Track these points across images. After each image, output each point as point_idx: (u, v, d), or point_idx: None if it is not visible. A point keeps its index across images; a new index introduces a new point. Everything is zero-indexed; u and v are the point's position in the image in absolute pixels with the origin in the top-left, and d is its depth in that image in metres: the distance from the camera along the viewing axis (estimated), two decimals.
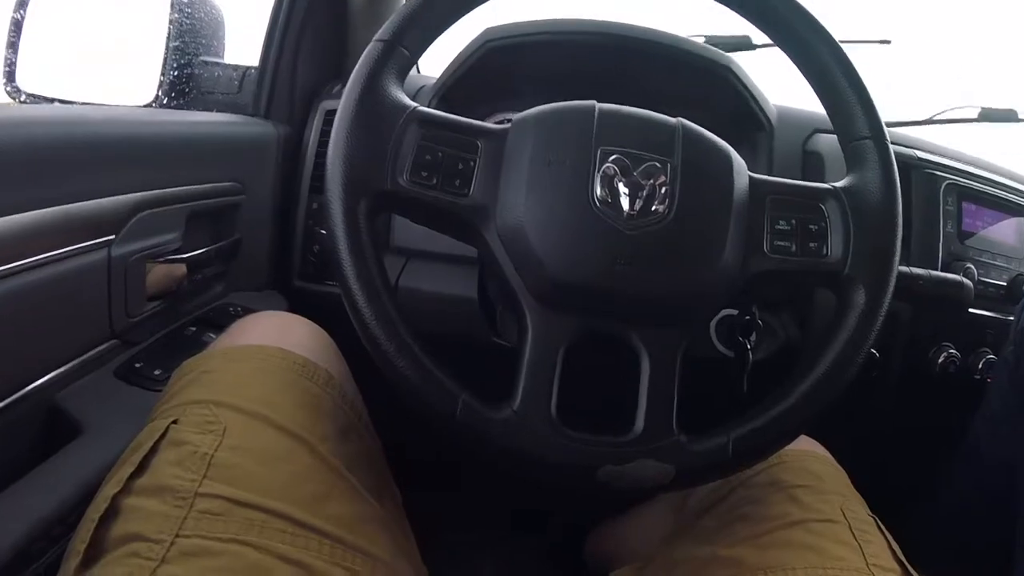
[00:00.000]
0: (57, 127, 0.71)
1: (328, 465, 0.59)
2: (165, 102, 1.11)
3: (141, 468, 0.54)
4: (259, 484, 0.54)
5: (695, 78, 1.01)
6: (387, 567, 0.57)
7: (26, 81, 0.96)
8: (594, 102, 0.63)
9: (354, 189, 0.57)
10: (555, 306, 0.58)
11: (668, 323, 0.59)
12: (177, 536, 0.49)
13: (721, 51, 1.03)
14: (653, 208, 0.58)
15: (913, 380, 1.12)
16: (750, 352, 0.90)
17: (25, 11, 0.96)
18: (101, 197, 0.75)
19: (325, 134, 1.10)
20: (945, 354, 1.09)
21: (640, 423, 0.57)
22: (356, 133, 0.58)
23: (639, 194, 0.58)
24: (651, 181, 0.59)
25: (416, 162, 0.58)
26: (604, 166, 0.59)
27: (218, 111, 1.14)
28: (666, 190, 0.59)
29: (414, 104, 0.61)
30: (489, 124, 0.62)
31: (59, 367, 0.73)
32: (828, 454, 0.77)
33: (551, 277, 0.57)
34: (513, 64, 1.03)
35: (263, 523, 0.51)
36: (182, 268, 0.86)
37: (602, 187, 0.58)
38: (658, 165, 0.59)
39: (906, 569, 0.62)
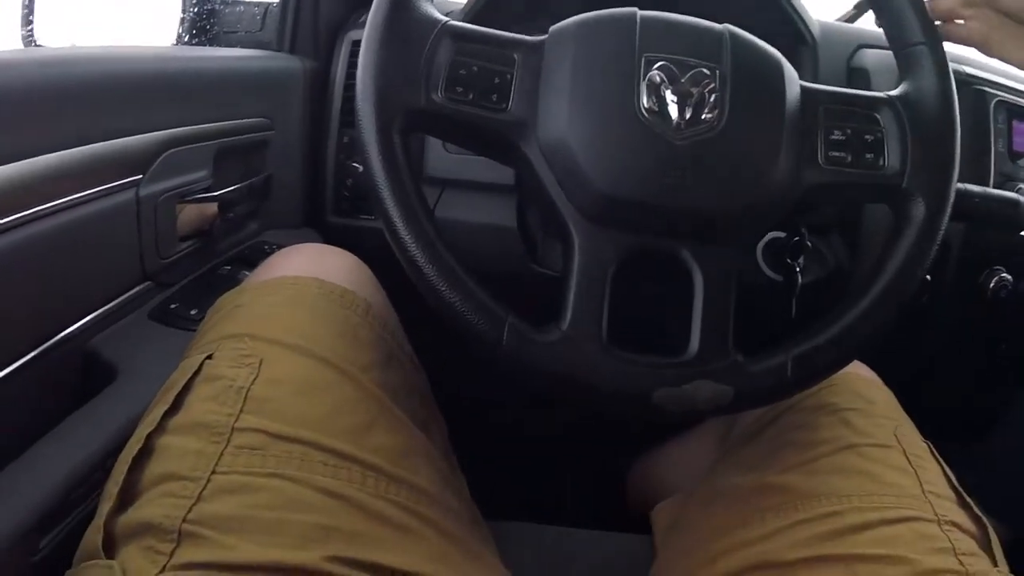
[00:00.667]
0: (80, 66, 0.69)
1: (371, 395, 0.58)
2: (187, 40, 1.09)
3: (175, 406, 0.53)
4: (298, 416, 0.52)
5: None
6: (432, 499, 0.55)
7: (43, 28, 0.94)
8: (635, 9, 0.59)
9: (387, 108, 0.55)
10: (603, 222, 0.56)
11: (722, 238, 0.57)
12: (214, 473, 0.47)
13: None
14: (703, 116, 0.56)
15: (964, 305, 1.09)
16: (799, 275, 0.87)
17: None
18: (127, 136, 0.73)
19: (352, 66, 1.07)
20: (997, 278, 1.06)
21: (695, 343, 0.56)
22: (387, 50, 0.56)
23: (687, 102, 0.56)
24: (699, 88, 0.56)
25: (450, 77, 0.56)
26: (650, 74, 0.56)
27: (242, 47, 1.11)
28: (716, 97, 0.56)
29: (445, 18, 0.58)
30: (523, 36, 0.59)
31: (93, 311, 0.72)
32: (876, 376, 0.75)
33: (598, 192, 0.55)
34: None
35: (303, 456, 0.50)
36: (213, 207, 0.85)
37: (648, 96, 0.56)
38: (706, 72, 0.57)
39: (962, 497, 0.61)
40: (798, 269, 0.87)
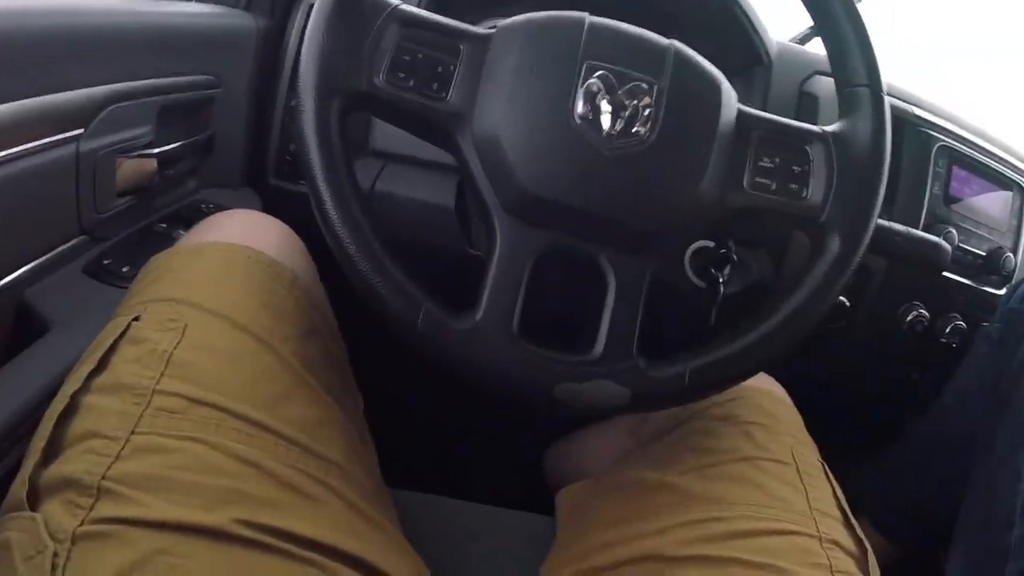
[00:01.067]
0: (22, 17, 0.68)
1: (289, 367, 0.60)
2: None
3: (101, 365, 0.55)
4: (218, 383, 0.54)
5: (696, 3, 0.98)
6: (340, 470, 0.58)
7: None
8: (585, 14, 0.61)
9: (327, 87, 0.56)
10: (525, 219, 0.58)
11: (638, 248, 0.59)
12: (133, 433, 0.49)
13: None
14: (634, 130, 0.57)
15: (879, 333, 1.13)
16: (721, 285, 0.90)
17: None
18: (69, 90, 0.73)
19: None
20: (915, 313, 1.11)
21: (601, 344, 0.58)
22: (333, 29, 0.56)
23: (621, 114, 0.57)
24: (635, 102, 0.58)
25: (394, 62, 0.57)
26: (588, 81, 0.58)
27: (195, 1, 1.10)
28: (650, 112, 0.58)
29: (397, 2, 0.59)
30: (473, 28, 0.61)
31: (26, 264, 0.72)
32: (785, 395, 0.79)
33: (523, 189, 0.57)
34: None
35: (219, 421, 0.52)
36: (153, 163, 0.85)
37: (584, 103, 0.57)
38: (644, 86, 0.58)
39: (847, 518, 0.64)
40: (721, 280, 0.90)
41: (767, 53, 1.04)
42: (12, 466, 0.61)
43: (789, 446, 0.68)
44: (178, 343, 0.56)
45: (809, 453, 0.69)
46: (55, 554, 0.43)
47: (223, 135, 1.02)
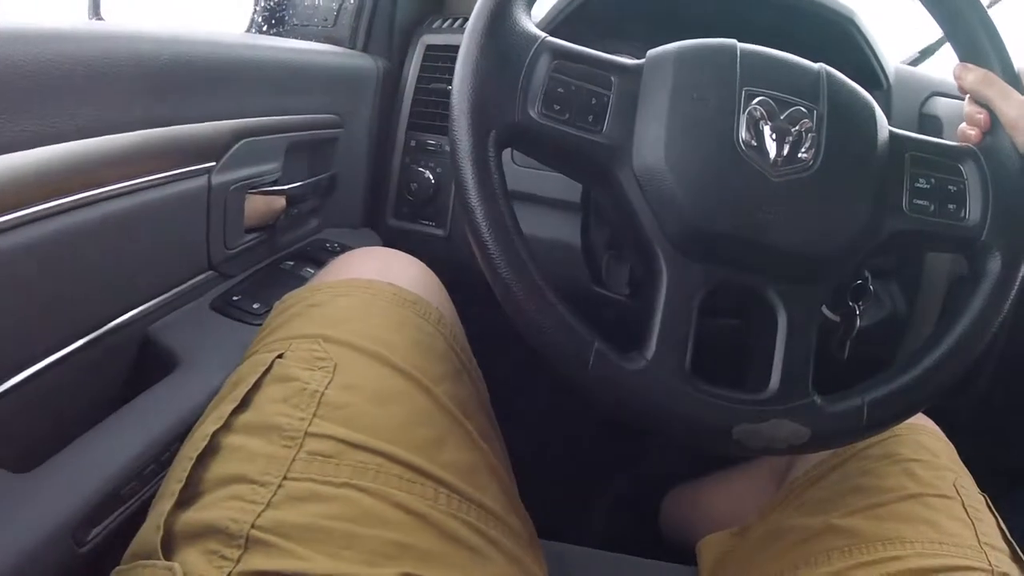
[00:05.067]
0: (164, 45, 0.67)
1: (443, 408, 0.56)
2: (261, 29, 1.08)
3: (244, 404, 0.51)
4: (373, 425, 0.50)
5: (814, 26, 0.95)
6: (498, 519, 0.53)
7: (111, 13, 0.93)
8: (734, 41, 0.59)
9: (484, 121, 0.54)
10: (693, 254, 0.55)
11: (807, 279, 0.57)
12: (285, 479, 0.45)
13: (842, 2, 0.96)
14: (799, 155, 0.56)
15: (1014, 360, 1.06)
16: (858, 318, 0.85)
17: None
18: (204, 121, 0.71)
19: (425, 69, 1.06)
20: None
21: (776, 381, 0.55)
22: (485, 63, 0.55)
23: (785, 139, 0.55)
24: (797, 127, 0.56)
25: (548, 94, 0.55)
26: (750, 107, 0.56)
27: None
28: (812, 137, 0.56)
29: (544, 34, 0.57)
30: (621, 59, 0.58)
31: (155, 297, 0.71)
32: (938, 429, 0.75)
33: (692, 222, 0.54)
34: (622, 2, 0.98)
35: (378, 467, 0.48)
36: (281, 201, 0.83)
37: (747, 129, 0.55)
38: (804, 110, 0.56)
39: (1014, 550, 0.62)
40: (858, 312, 0.85)
41: (886, 76, 1.00)
42: (138, 507, 0.58)
43: (951, 480, 0.66)
44: (329, 382, 0.52)
45: (971, 486, 0.67)
46: None
47: (344, 175, 1.01)
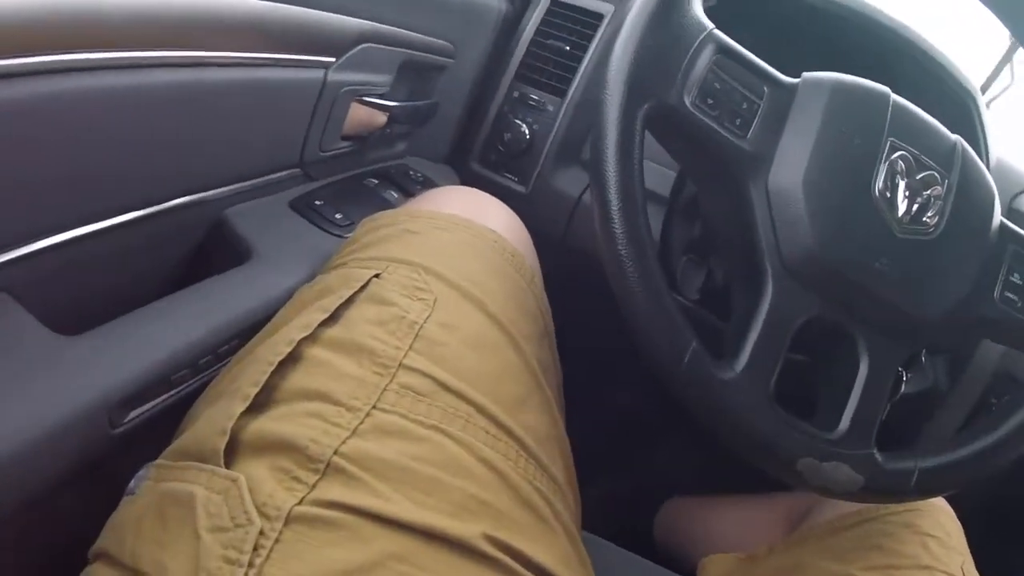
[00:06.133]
0: None
1: (529, 368, 0.53)
2: None
3: (334, 317, 0.48)
4: (467, 371, 0.47)
5: (932, 94, 0.91)
6: (562, 494, 0.51)
7: None
8: (888, 89, 0.60)
9: (639, 91, 0.53)
10: (802, 280, 0.55)
11: (899, 335, 0.58)
12: (375, 408, 0.42)
13: (968, 76, 0.95)
14: (924, 218, 0.57)
15: None
16: (904, 384, 0.84)
17: None
18: (333, 11, 0.68)
19: (545, 23, 1.02)
20: None
21: (845, 424, 0.56)
22: (653, 37, 0.54)
23: (916, 199, 0.57)
24: (929, 191, 0.57)
25: (704, 87, 0.54)
26: (891, 159, 0.57)
27: None
28: (940, 205, 0.58)
29: (712, 25, 0.56)
30: (779, 73, 0.58)
31: (239, 181, 0.67)
32: (952, 512, 0.77)
33: (810, 250, 0.55)
34: (753, 12, 0.95)
35: (468, 416, 0.45)
36: (382, 116, 0.80)
37: (885, 179, 0.56)
38: (937, 176, 0.58)
39: None
40: (905, 378, 0.85)
41: (988, 162, 0.97)
42: (185, 397, 0.55)
43: (960, 563, 0.68)
44: (428, 316, 0.49)
45: (973, 571, 0.69)
46: (261, 533, 0.36)
47: (443, 107, 0.97)
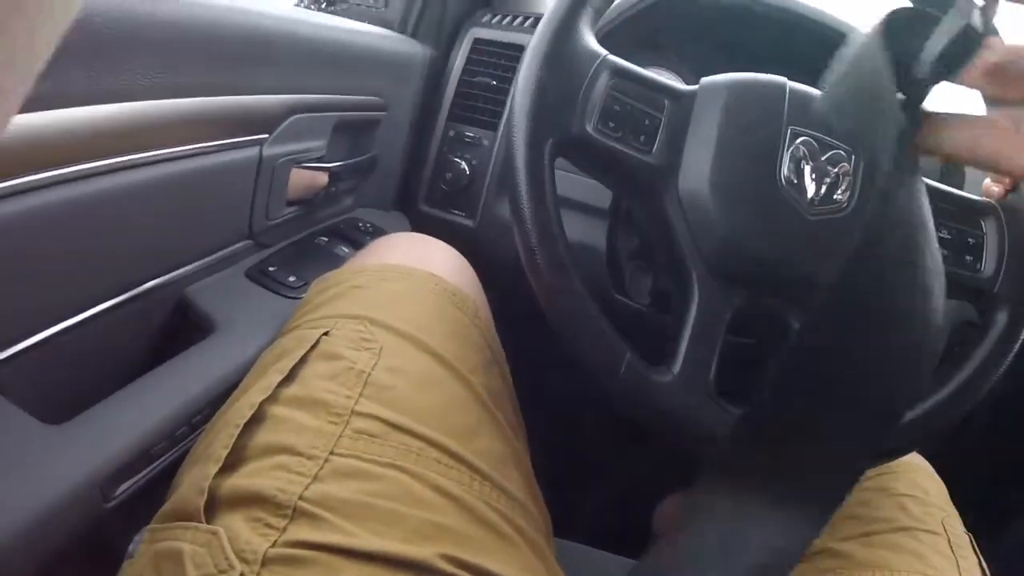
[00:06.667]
0: (231, 15, 0.68)
1: (477, 398, 0.58)
2: (309, 5, 1.09)
3: (290, 377, 0.53)
4: (416, 409, 0.52)
5: None
6: (523, 509, 0.55)
7: None
8: (785, 79, 0.62)
9: (543, 128, 0.56)
10: (725, 276, 0.58)
11: None
12: (332, 454, 0.47)
13: None
14: (835, 197, 0.58)
15: (1016, 405, 1.09)
16: None
17: None
18: (259, 94, 0.73)
19: (472, 62, 1.07)
20: None
21: None
22: (549, 73, 0.57)
23: (823, 180, 0.58)
24: (836, 170, 0.59)
25: (604, 111, 0.57)
26: (792, 146, 0.58)
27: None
28: (848, 181, 0.59)
29: (606, 52, 0.59)
30: (676, 84, 0.61)
31: (195, 260, 0.72)
32: (931, 468, 0.79)
33: (727, 247, 0.57)
34: (671, 19, 1.00)
35: (419, 450, 0.50)
36: (323, 177, 0.85)
37: (789, 167, 0.58)
38: (843, 154, 0.59)
39: None
40: None
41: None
42: (167, 467, 0.60)
43: (940, 518, 0.69)
44: (375, 364, 0.54)
45: (957, 525, 0.70)
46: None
47: (383, 157, 1.02)
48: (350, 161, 0.90)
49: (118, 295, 0.64)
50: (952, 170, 1.04)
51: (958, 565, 0.64)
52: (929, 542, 0.66)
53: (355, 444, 0.48)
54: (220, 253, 0.76)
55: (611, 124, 0.57)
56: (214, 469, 0.47)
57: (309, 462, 0.46)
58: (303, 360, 0.54)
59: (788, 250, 0.58)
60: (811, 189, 0.58)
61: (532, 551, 0.53)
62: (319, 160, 0.84)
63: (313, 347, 0.55)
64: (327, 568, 0.42)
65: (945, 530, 0.68)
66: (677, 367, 0.56)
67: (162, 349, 0.71)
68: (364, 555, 0.43)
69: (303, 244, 0.86)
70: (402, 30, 1.09)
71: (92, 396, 0.58)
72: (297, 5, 1.11)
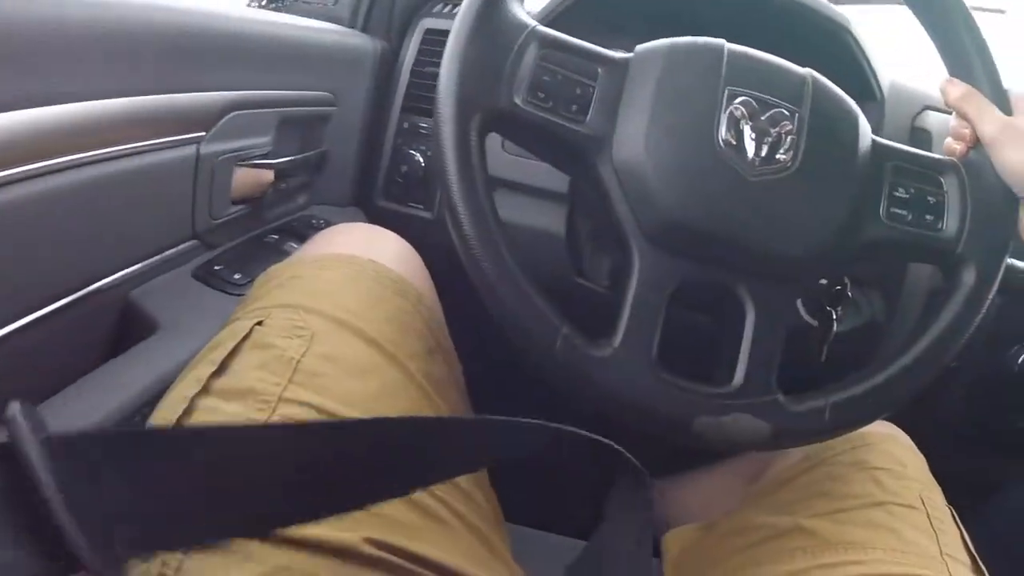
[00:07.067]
0: (159, 15, 0.68)
1: (416, 383, 0.57)
2: (260, 4, 1.09)
3: (222, 368, 0.52)
4: (346, 395, 0.51)
5: (809, 35, 0.94)
6: (464, 494, 0.55)
7: None
8: (723, 41, 0.60)
9: (468, 105, 0.54)
10: (666, 247, 0.56)
11: (779, 279, 0.58)
12: None
13: (839, 10, 0.96)
14: (777, 156, 0.56)
15: (989, 375, 1.07)
16: (835, 323, 0.86)
17: None
18: (196, 92, 0.72)
19: (423, 52, 1.07)
20: None
21: (740, 376, 0.56)
22: (474, 47, 0.55)
23: (764, 140, 0.56)
24: (777, 128, 0.56)
25: (533, 82, 0.56)
26: (731, 107, 0.56)
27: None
28: (792, 140, 0.56)
29: (534, 23, 0.58)
30: (609, 51, 0.59)
31: (137, 263, 0.72)
32: (909, 440, 0.77)
33: (666, 216, 0.55)
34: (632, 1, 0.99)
35: None
36: (269, 175, 0.84)
37: (727, 128, 0.56)
38: (786, 113, 0.57)
39: (977, 564, 0.63)
40: (835, 317, 0.86)
41: (880, 89, 1.00)
42: None
43: (917, 491, 0.67)
44: (305, 351, 0.53)
45: (937, 497, 0.68)
46: (164, 563, 0.40)
47: (335, 153, 1.02)
48: (297, 157, 0.90)
49: (60, 299, 0.63)
50: (920, 135, 1.03)
51: (937, 540, 0.62)
52: (905, 517, 0.64)
53: None
54: (165, 254, 0.75)
55: (540, 95, 0.56)
56: None
57: None
58: (235, 351, 0.53)
59: (729, 215, 0.55)
60: (751, 149, 0.56)
61: (474, 536, 0.53)
62: (264, 157, 0.83)
63: (245, 337, 0.54)
64: (251, 556, 0.41)
65: (924, 504, 0.66)
66: (617, 341, 0.54)
67: (110, 354, 0.71)
68: (288, 541, 0.42)
69: (252, 243, 0.85)
70: (352, 24, 1.08)
71: (37, 401, 0.58)
72: (249, 5, 1.11)
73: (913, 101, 1.05)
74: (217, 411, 0.49)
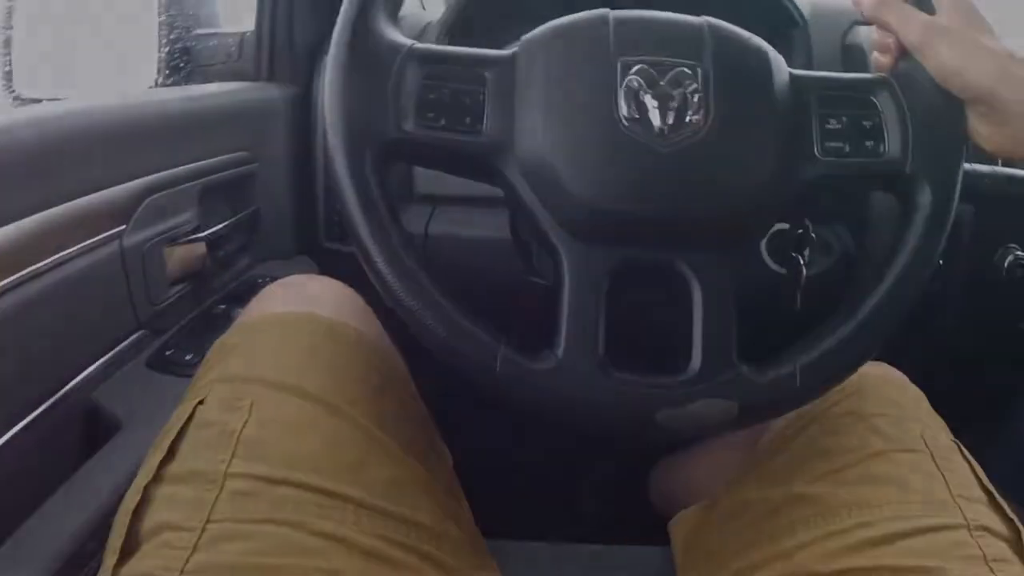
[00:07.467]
0: (56, 122, 0.69)
1: (362, 429, 0.57)
2: (164, 81, 1.08)
3: (170, 454, 0.52)
4: (288, 457, 0.52)
5: None
6: (430, 533, 0.55)
7: (22, 85, 0.95)
8: (607, 10, 0.56)
9: (357, 141, 0.52)
10: (591, 238, 0.53)
11: (716, 245, 0.54)
12: (208, 521, 0.47)
13: None
14: (687, 120, 0.52)
15: (979, 287, 1.05)
16: (804, 267, 0.83)
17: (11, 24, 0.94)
18: (107, 187, 0.73)
19: None
20: (1012, 256, 1.01)
21: (697, 359, 0.53)
22: (351, 80, 0.52)
23: (669, 106, 0.52)
24: (681, 90, 0.52)
25: (420, 103, 0.53)
26: (627, 79, 0.52)
27: (222, 81, 1.10)
28: (699, 98, 0.52)
29: (411, 42, 0.55)
30: (493, 51, 0.56)
31: (91, 365, 0.72)
32: (904, 377, 0.72)
33: (582, 206, 0.52)
34: None
35: (296, 499, 0.49)
36: (202, 247, 0.85)
37: (627, 103, 0.52)
38: (687, 71, 0.53)
39: (993, 497, 0.58)
40: (803, 262, 0.83)
41: (800, 13, 0.98)
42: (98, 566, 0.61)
43: (918, 432, 0.62)
44: (246, 421, 0.53)
45: (940, 435, 0.64)
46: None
47: (268, 207, 1.02)
48: (228, 222, 0.90)
49: (23, 417, 0.65)
50: (853, 53, 1.03)
51: (945, 480, 0.58)
52: (909, 463, 0.60)
53: (230, 507, 0.48)
54: (116, 350, 0.76)
55: (430, 115, 0.53)
56: (112, 560, 0.47)
57: (187, 534, 0.46)
58: (180, 434, 0.54)
59: (645, 192, 0.52)
60: (656, 120, 0.52)
61: (441, 572, 0.53)
62: (195, 231, 0.84)
63: (189, 419, 0.55)
64: None
65: (926, 445, 0.61)
66: (560, 349, 0.51)
67: (84, 459, 0.72)
68: None
69: (201, 318, 0.86)
70: (258, 77, 1.09)
71: (20, 515, 0.60)
72: (152, 87, 1.10)
73: (840, 19, 1.03)
74: (170, 497, 0.50)
